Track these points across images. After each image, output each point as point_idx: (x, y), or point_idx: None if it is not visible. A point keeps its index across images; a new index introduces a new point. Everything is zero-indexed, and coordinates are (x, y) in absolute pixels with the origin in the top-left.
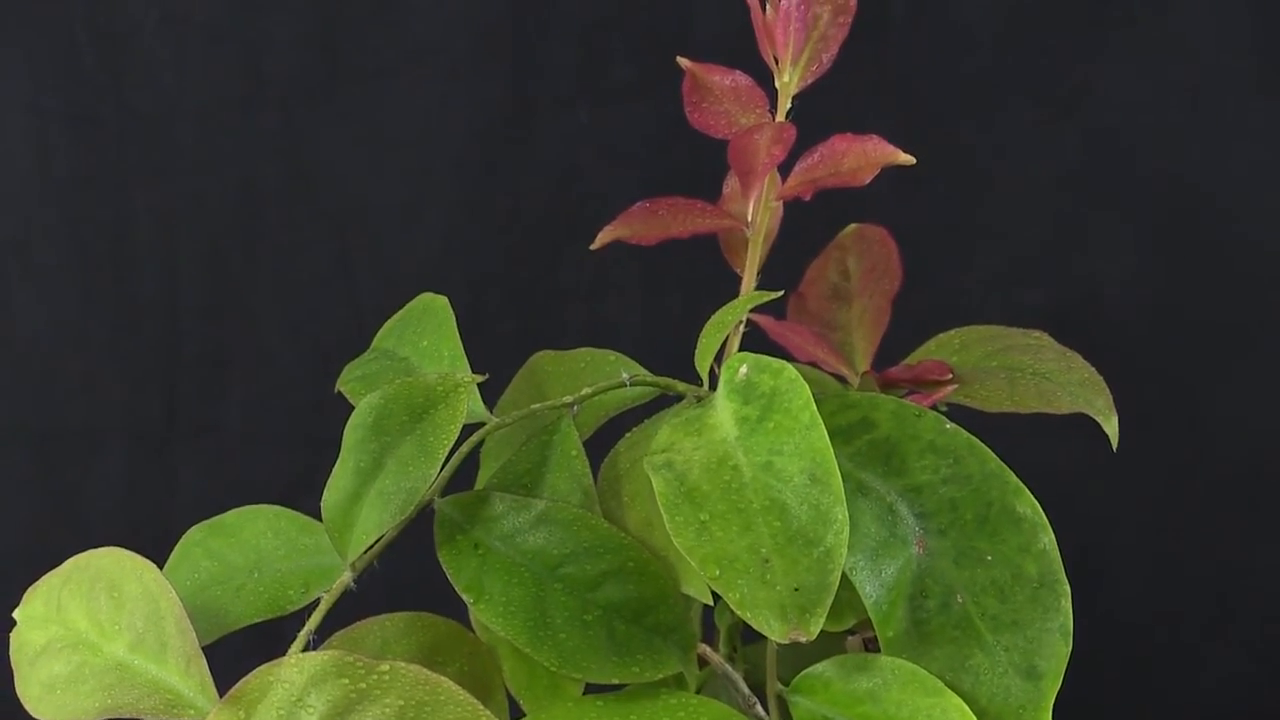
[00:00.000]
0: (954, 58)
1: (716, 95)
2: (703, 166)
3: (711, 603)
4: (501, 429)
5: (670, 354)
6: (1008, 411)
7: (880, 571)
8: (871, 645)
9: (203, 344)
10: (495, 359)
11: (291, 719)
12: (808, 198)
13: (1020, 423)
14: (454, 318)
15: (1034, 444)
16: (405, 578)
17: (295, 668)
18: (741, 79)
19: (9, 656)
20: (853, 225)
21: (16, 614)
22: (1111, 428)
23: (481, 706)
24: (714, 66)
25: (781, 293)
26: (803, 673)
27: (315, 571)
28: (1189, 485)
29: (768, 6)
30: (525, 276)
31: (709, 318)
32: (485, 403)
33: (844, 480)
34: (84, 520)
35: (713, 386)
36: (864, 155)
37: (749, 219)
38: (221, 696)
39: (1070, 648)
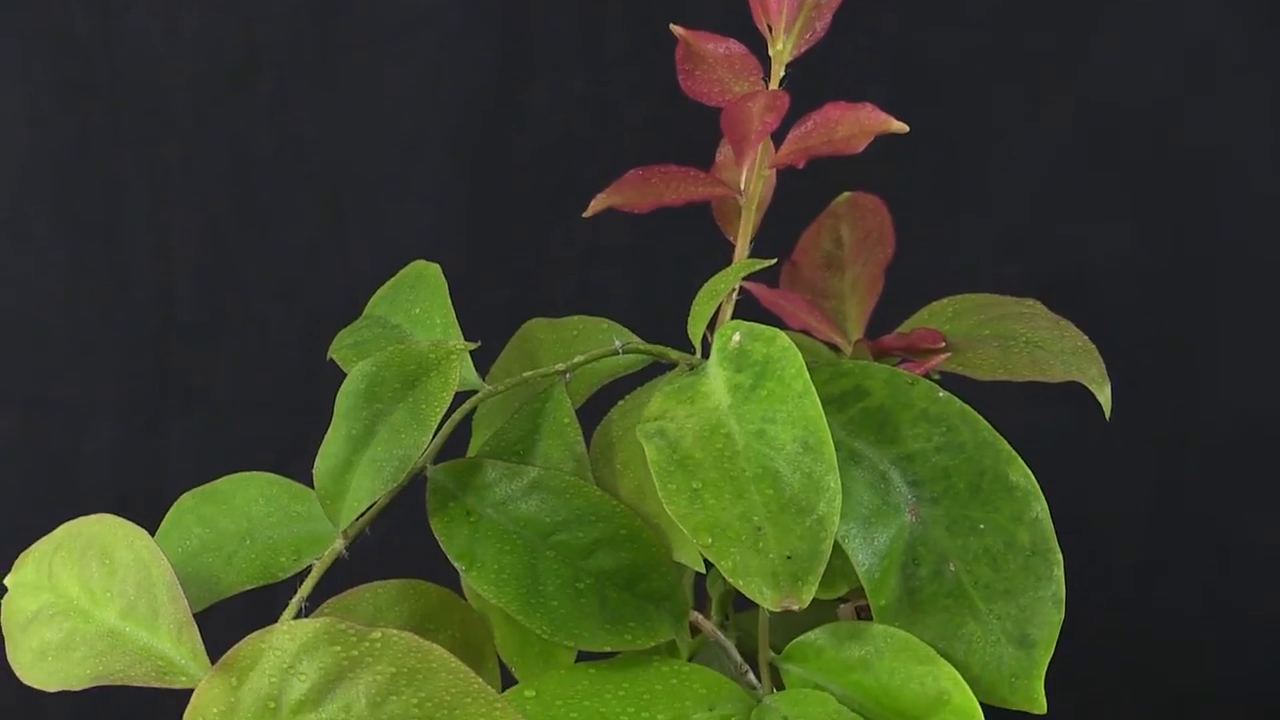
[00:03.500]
0: (948, 26)
1: (710, 63)
2: (696, 135)
3: (704, 570)
4: (494, 397)
5: (663, 322)
6: (1001, 380)
7: (873, 539)
8: (864, 613)
9: (194, 311)
10: (487, 327)
11: (283, 686)
12: (801, 166)
13: (1013, 391)
14: (446, 285)
15: (1027, 412)
16: (397, 545)
17: (287, 635)
18: (735, 47)
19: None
20: (846, 194)
21: (8, 580)
22: (1104, 396)
23: (473, 674)
24: (708, 34)
25: (774, 261)
26: (795, 640)
27: (307, 539)
28: (1181, 454)
29: None
30: (518, 244)
31: (702, 286)
32: (477, 370)
33: (837, 448)
34: (75, 487)
35: (705, 355)
36: (857, 123)
37: (742, 187)
38: (213, 664)
39: (1063, 616)
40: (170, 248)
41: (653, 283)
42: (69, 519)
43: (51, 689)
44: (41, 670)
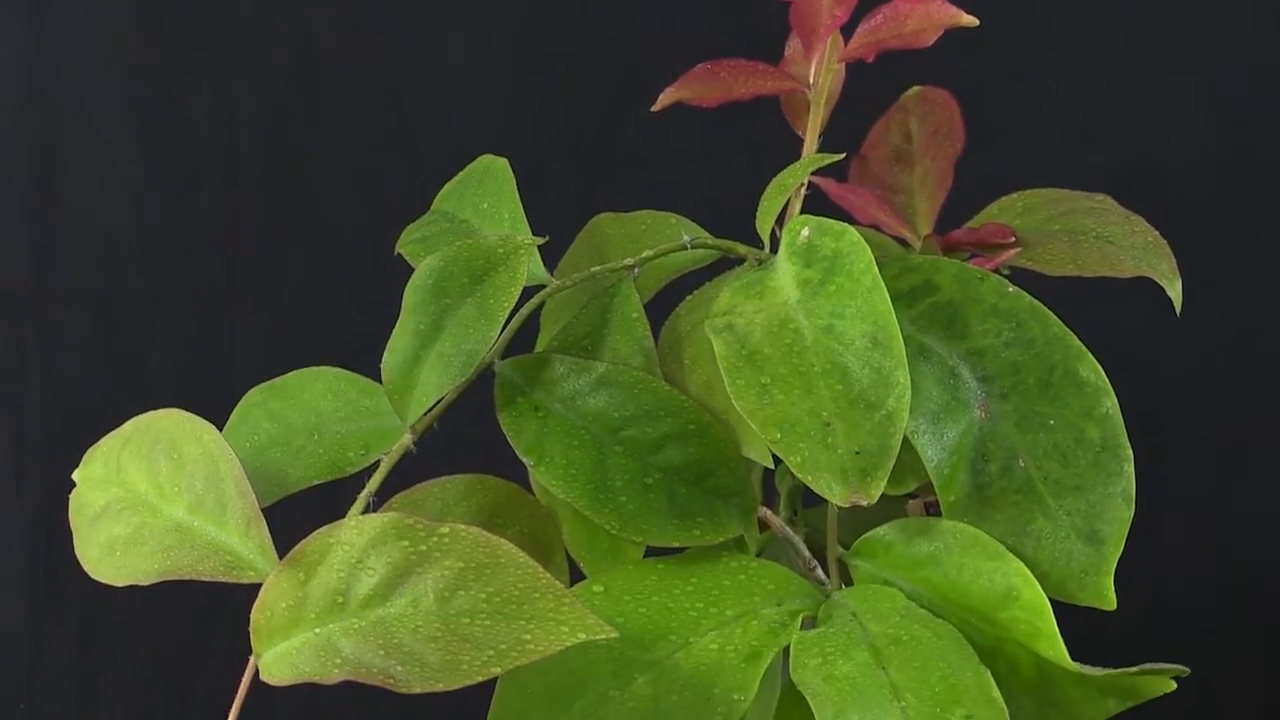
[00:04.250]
0: None
1: None
2: (765, 28)
3: (772, 466)
4: (561, 291)
5: (731, 217)
6: (1070, 275)
7: (942, 435)
8: (933, 509)
9: (262, 207)
10: (555, 221)
11: (351, 581)
12: (870, 59)
13: (1083, 287)
14: (514, 180)
15: (1096, 308)
16: (465, 440)
17: (355, 530)
18: None
19: (68, 520)
20: (915, 88)
21: (76, 475)
22: (1175, 291)
23: (541, 569)
24: None
25: (843, 155)
26: (863, 536)
27: (375, 434)
28: (1252, 349)
29: None
30: (586, 139)
31: (770, 180)
32: (545, 265)
33: (906, 344)
34: (144, 382)
35: (774, 249)
36: (927, 17)
37: (811, 81)
38: (281, 558)
39: (1132, 512)
40: (238, 143)
41: (721, 177)
42: (137, 414)
43: (119, 583)
44: (109, 565)
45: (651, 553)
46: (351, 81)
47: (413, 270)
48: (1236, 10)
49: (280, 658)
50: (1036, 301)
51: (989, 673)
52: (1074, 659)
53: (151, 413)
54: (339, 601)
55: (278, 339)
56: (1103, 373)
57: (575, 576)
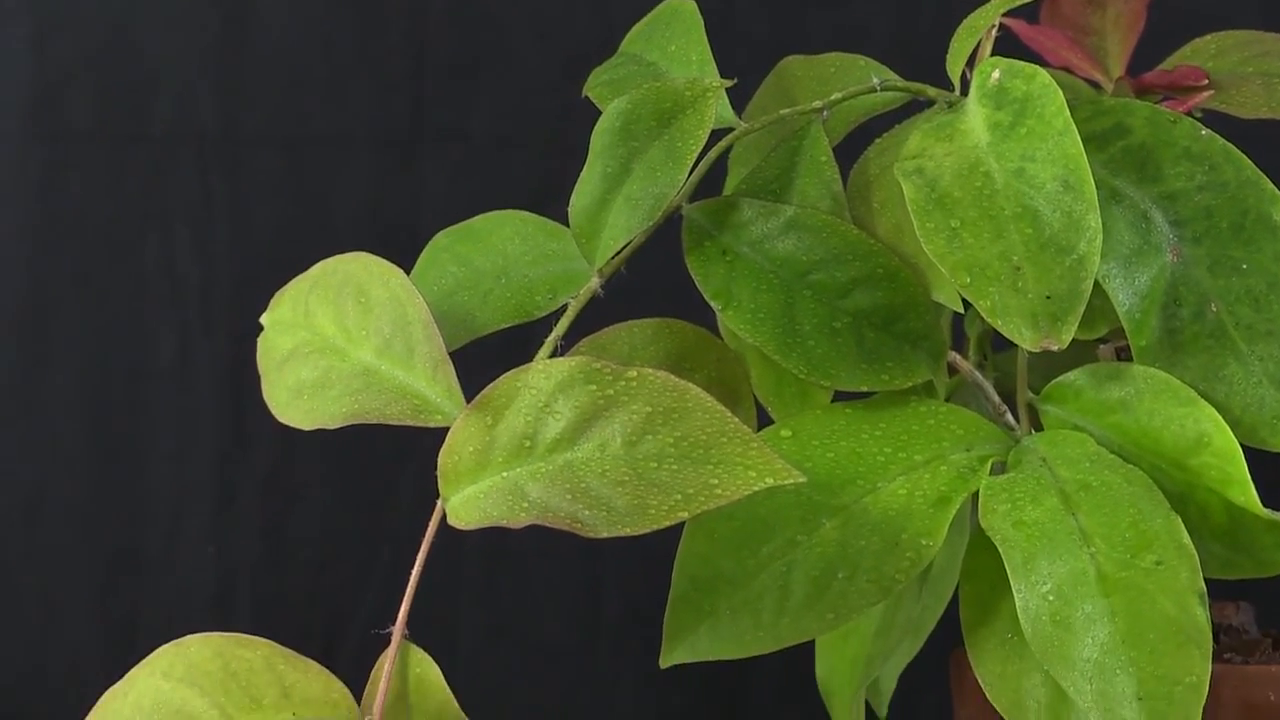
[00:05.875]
0: None
1: None
2: None
3: (962, 310)
4: (750, 134)
5: (921, 59)
6: (1264, 118)
7: (1133, 279)
8: (1123, 354)
9: (450, 49)
10: (743, 64)
11: (538, 425)
12: None
13: (1276, 130)
14: (702, 22)
15: None
16: (653, 284)
17: (543, 374)
18: None
19: (256, 364)
20: None
21: (264, 319)
22: None
23: (729, 413)
24: None
25: None
26: (1053, 381)
27: (562, 277)
28: None
29: None
30: None
31: (961, 22)
32: (733, 108)
33: (1097, 187)
34: (331, 226)
35: (964, 92)
36: None
37: None
38: (468, 402)
39: None
40: None
41: (911, 19)
42: (325, 258)
43: (307, 427)
44: (297, 408)
45: (839, 397)
46: None
47: (600, 113)
48: None
49: (467, 501)
50: (1230, 145)
51: (1179, 519)
52: (1265, 506)
53: (339, 256)
54: (526, 445)
55: (465, 182)
56: None
57: (763, 421)
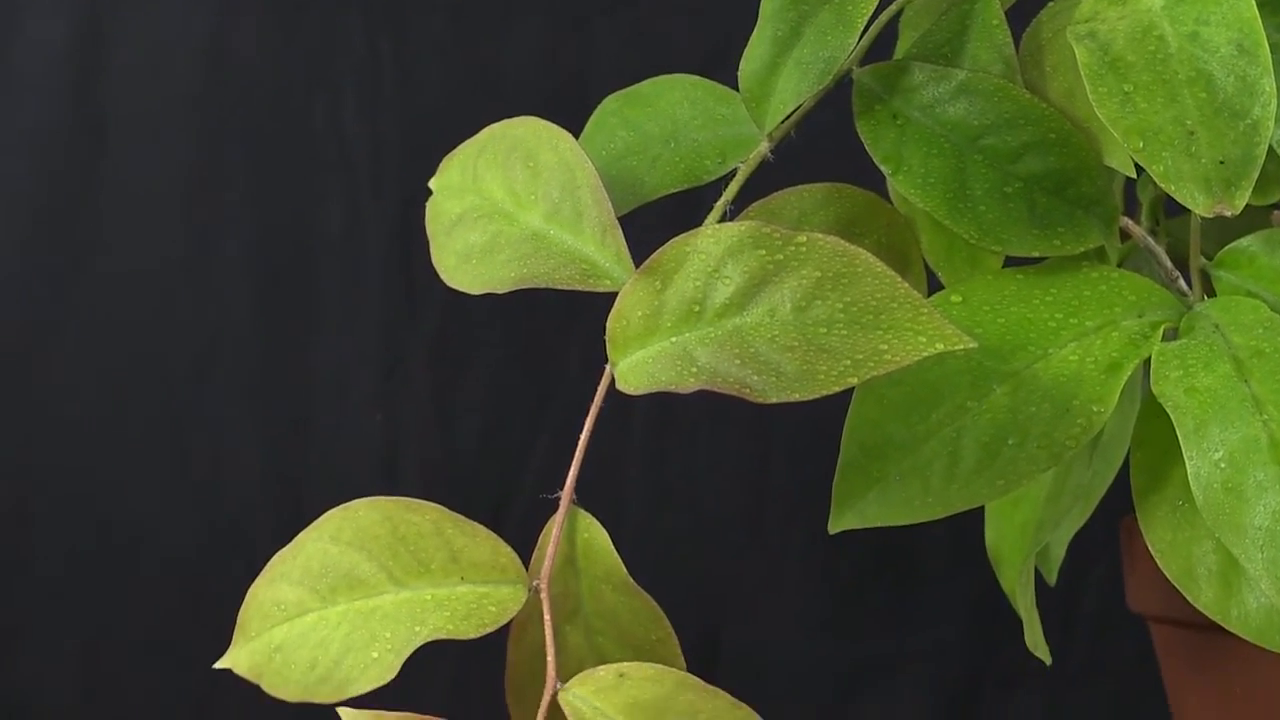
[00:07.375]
0: None
1: None
2: None
3: (1134, 175)
4: None
5: None
6: None
7: None
8: None
9: None
10: None
11: (708, 290)
12: None
13: None
14: None
15: None
16: (822, 148)
17: (712, 238)
18: None
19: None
20: None
21: (432, 183)
22: None
23: (899, 278)
24: None
25: None
26: (1227, 247)
27: (732, 141)
28: None
29: None
30: None
31: None
32: None
33: (1272, 51)
34: (500, 89)
35: None
36: None
37: None
38: (637, 267)
39: None
40: None
41: None
42: (493, 121)
43: (475, 291)
44: (466, 272)
45: (1010, 263)
46: None
47: None
48: None
49: (636, 366)
50: None
51: None
52: None
53: (508, 120)
54: (695, 310)
55: (634, 46)
56: None
57: (933, 286)
